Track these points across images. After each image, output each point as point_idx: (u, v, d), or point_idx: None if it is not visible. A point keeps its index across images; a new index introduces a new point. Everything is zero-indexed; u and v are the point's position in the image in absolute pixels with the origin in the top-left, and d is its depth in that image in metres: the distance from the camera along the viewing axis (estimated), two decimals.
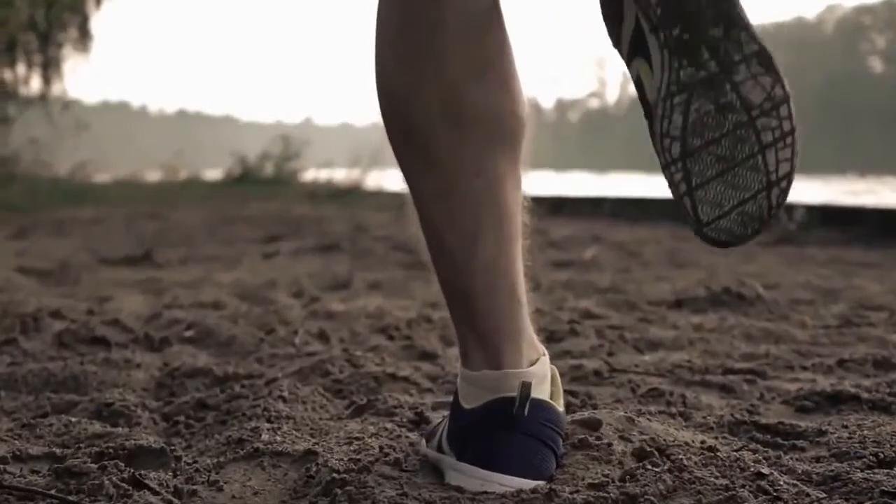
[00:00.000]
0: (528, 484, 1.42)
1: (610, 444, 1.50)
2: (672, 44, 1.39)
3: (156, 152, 21.10)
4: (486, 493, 1.42)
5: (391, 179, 15.93)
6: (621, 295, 3.69)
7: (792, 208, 7.46)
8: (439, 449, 1.56)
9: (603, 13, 1.48)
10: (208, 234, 7.56)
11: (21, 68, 23.79)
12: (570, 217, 9.29)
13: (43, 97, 23.28)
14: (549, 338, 2.54)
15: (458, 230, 1.50)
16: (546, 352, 1.54)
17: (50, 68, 23.85)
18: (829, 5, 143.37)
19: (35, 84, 23.71)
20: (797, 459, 1.54)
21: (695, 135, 1.38)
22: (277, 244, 6.32)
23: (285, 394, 1.82)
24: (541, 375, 1.50)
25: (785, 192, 1.40)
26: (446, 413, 1.61)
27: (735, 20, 1.38)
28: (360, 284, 4.42)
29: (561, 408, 1.52)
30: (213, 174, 19.19)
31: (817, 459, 1.55)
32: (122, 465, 1.40)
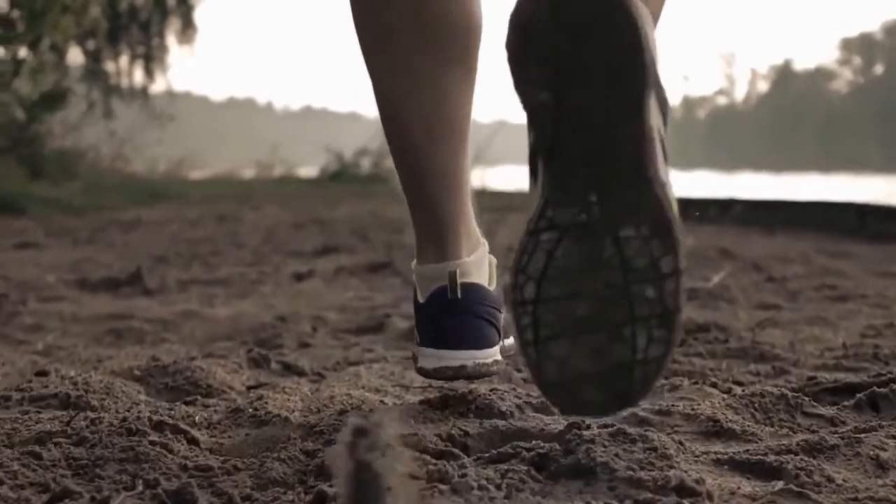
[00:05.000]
0: (474, 354, 1.66)
1: None
2: (554, 176, 1.22)
3: (267, 149, 20.20)
4: (440, 367, 1.65)
5: (496, 178, 14.79)
6: (767, 364, 2.38)
7: None
8: (417, 343, 1.74)
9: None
10: (263, 241, 6.41)
11: (124, 60, 23.22)
12: (694, 222, 7.96)
13: (144, 90, 22.64)
14: None
15: (423, 135, 1.62)
16: (486, 242, 1.76)
17: (153, 60, 23.23)
18: None
19: (138, 76, 23.11)
20: None
21: (554, 282, 1.21)
22: (321, 260, 5.10)
23: None
24: (477, 261, 1.70)
25: (651, 375, 1.20)
26: None
27: (639, 166, 1.19)
28: (397, 326, 3.21)
29: (493, 287, 1.72)
30: (312, 171, 18.24)
31: None
32: None
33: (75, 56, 19.87)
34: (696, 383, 1.92)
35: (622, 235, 1.21)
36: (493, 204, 8.81)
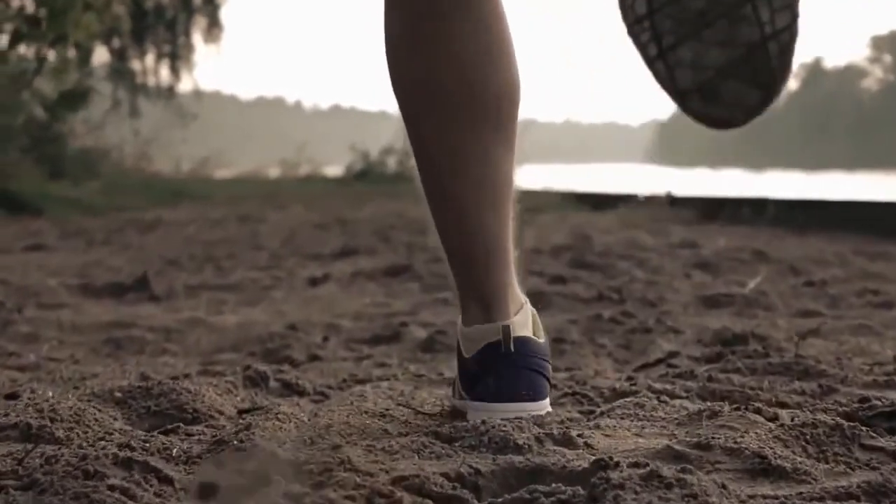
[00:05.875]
0: (529, 406, 1.66)
1: None
2: None
3: (294, 148, 20.06)
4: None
5: (523, 177, 14.59)
6: (812, 381, 2.17)
7: None
8: (460, 397, 1.76)
9: None
10: (283, 243, 6.23)
11: (150, 59, 23.12)
12: (726, 223, 7.74)
13: (170, 89, 22.52)
14: None
15: (466, 206, 1.63)
16: (526, 299, 1.74)
17: (179, 59, 23.11)
18: None
19: (164, 75, 23.00)
20: None
21: None
22: (339, 263, 4.91)
23: None
24: (523, 321, 1.70)
25: (787, 49, 1.18)
26: None
27: None
28: (414, 335, 3.03)
29: (542, 339, 1.72)
30: (339, 170, 18.07)
31: None
32: None
33: (102, 55, 19.76)
34: (737, 408, 1.71)
35: None
36: (521, 204, 8.61)
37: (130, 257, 5.21)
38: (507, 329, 1.66)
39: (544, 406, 1.69)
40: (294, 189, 14.11)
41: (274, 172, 19.18)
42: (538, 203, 9.29)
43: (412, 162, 1.76)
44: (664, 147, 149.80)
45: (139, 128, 16.38)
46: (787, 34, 1.18)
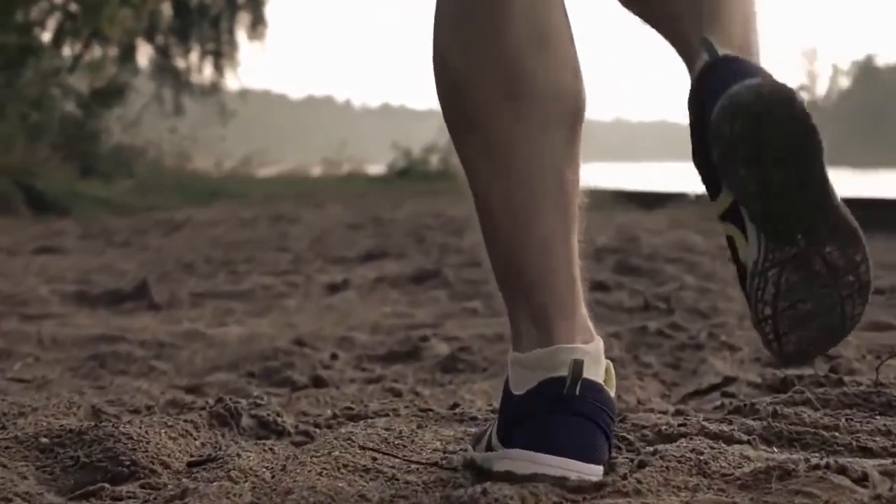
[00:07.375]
0: (581, 467, 1.38)
1: None
2: (769, 231, 1.42)
3: (340, 146, 19.83)
4: (535, 475, 1.35)
5: None
6: (892, 418, 1.80)
7: None
8: (489, 448, 1.49)
9: (699, 174, 1.49)
10: (311, 244, 5.90)
11: (194, 56, 22.90)
12: None
13: (213, 86, 22.31)
14: None
15: (514, 208, 1.47)
16: (599, 338, 1.48)
17: (222, 56, 22.88)
18: None
19: (208, 72, 22.78)
20: None
21: (785, 299, 1.42)
22: (362, 268, 4.57)
23: None
24: (594, 355, 1.45)
25: (855, 324, 1.45)
26: None
27: (827, 206, 1.41)
28: (435, 351, 2.70)
29: (612, 393, 1.47)
30: (382, 168, 17.79)
31: None
32: None
33: (147, 52, 19.59)
34: (815, 468, 1.34)
35: (826, 252, 1.42)
36: None
37: (143, 260, 4.90)
38: (578, 365, 1.40)
39: (597, 472, 1.39)
40: (334, 187, 13.80)
41: (316, 171, 18.93)
42: (585, 202, 8.93)
43: (455, 159, 1.52)
44: None
45: (179, 126, 16.13)
46: (858, 318, 1.44)
